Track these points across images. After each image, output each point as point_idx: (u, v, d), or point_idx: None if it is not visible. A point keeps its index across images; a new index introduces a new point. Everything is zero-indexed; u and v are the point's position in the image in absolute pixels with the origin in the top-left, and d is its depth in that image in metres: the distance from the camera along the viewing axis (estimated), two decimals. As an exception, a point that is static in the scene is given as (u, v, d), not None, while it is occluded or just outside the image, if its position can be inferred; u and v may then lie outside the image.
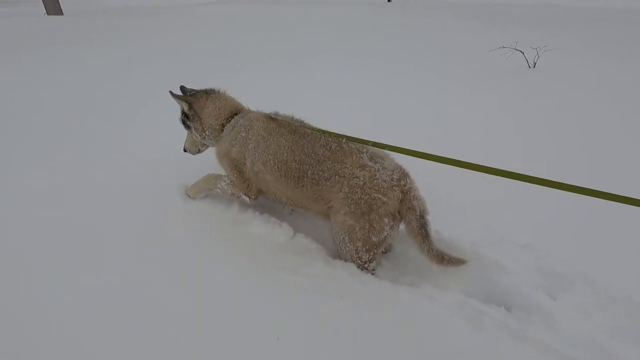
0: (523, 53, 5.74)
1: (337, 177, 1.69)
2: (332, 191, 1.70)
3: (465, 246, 1.86)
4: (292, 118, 1.93)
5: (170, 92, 2.05)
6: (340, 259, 1.81)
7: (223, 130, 2.04)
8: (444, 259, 1.65)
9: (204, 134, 2.09)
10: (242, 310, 1.50)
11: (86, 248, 1.80)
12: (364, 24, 10.04)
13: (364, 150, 1.73)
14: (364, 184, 1.64)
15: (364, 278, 1.70)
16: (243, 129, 1.94)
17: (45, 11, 11.88)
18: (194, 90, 2.12)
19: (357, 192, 1.65)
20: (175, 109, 2.12)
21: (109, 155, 2.69)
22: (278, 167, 1.81)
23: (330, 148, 1.74)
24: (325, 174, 1.71)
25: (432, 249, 1.65)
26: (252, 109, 2.14)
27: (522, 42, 6.01)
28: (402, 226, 1.74)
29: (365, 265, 1.76)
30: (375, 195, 1.63)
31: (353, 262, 1.76)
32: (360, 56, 6.22)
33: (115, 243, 1.83)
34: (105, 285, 1.60)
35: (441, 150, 2.70)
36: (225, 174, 2.06)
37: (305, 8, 13.52)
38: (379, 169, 1.67)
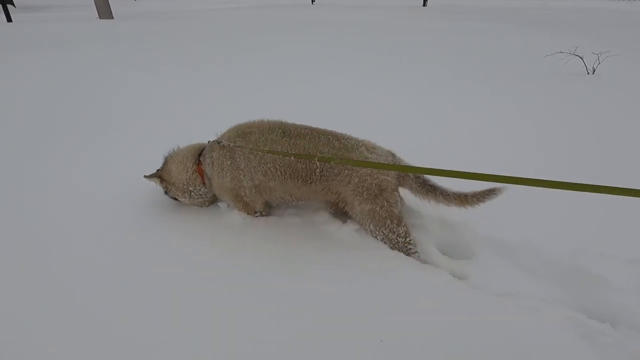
0: (582, 58, 5.49)
1: (346, 171, 1.79)
2: (342, 184, 1.81)
3: (563, 259, 1.76)
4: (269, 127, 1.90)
5: (145, 176, 2.04)
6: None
7: (203, 175, 2.00)
8: (467, 198, 1.75)
9: (189, 192, 2.02)
10: (348, 310, 1.49)
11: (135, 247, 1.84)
12: (405, 28, 9.95)
13: (360, 144, 1.87)
14: (370, 171, 1.78)
15: (458, 285, 1.64)
16: (226, 157, 1.91)
17: (97, 15, 12.54)
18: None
19: (366, 179, 1.78)
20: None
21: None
22: (282, 171, 1.84)
23: (334, 146, 1.83)
24: (335, 170, 1.80)
25: (448, 194, 1.78)
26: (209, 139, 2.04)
27: (579, 47, 5.75)
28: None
29: (407, 246, 1.82)
30: (382, 177, 1.79)
31: (395, 247, 1.82)
32: (407, 61, 6.15)
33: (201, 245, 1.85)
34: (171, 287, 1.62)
35: (491, 157, 2.59)
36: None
37: (336, 12, 13.56)
38: (377, 157, 1.84)
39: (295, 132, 1.87)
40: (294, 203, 2.05)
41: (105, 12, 12.47)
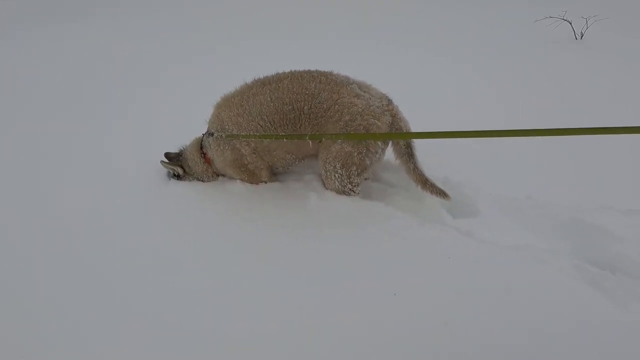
0: (571, 23, 5.44)
1: (336, 106, 1.75)
2: (331, 121, 1.75)
3: (564, 212, 1.80)
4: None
5: (161, 162, 2.09)
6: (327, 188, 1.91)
7: (211, 163, 2.06)
8: (426, 183, 1.79)
9: (205, 177, 2.10)
10: (360, 266, 1.51)
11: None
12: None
13: (351, 81, 1.83)
14: (362, 110, 1.74)
15: (465, 241, 1.66)
16: (218, 133, 1.93)
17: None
18: (173, 153, 2.13)
19: (357, 119, 1.73)
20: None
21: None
22: (272, 122, 1.82)
23: (320, 81, 1.78)
24: (324, 105, 1.76)
25: (417, 169, 1.80)
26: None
27: (570, 11, 5.66)
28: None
29: (354, 189, 1.86)
30: (372, 120, 1.74)
31: (340, 189, 1.84)
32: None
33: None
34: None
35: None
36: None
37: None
38: (370, 97, 1.78)
39: (274, 78, 1.86)
40: (296, 163, 2.01)
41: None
